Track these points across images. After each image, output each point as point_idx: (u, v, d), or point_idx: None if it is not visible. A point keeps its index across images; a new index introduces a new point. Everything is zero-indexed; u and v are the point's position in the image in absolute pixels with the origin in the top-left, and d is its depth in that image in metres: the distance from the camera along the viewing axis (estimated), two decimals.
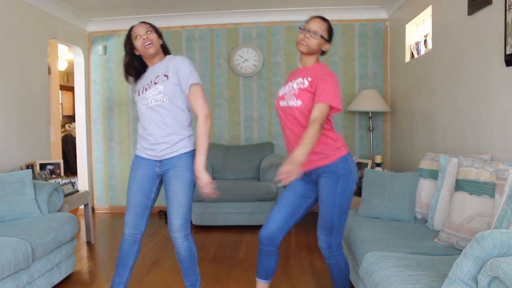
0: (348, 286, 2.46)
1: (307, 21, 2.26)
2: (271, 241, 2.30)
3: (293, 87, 2.22)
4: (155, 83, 2.29)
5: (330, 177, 2.19)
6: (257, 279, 2.41)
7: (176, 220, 2.32)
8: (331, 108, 2.12)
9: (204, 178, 2.26)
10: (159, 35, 2.40)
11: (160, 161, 2.34)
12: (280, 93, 2.31)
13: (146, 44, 2.30)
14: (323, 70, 2.22)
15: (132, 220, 2.38)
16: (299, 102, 2.17)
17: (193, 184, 2.34)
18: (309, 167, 2.21)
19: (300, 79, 2.22)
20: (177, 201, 2.31)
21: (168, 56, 2.41)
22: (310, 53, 2.25)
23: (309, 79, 2.18)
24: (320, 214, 2.27)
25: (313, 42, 2.21)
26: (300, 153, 1.95)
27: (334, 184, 2.18)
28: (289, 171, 1.87)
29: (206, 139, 2.28)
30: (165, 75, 2.29)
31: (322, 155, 2.19)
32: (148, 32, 2.33)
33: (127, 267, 2.43)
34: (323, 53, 2.29)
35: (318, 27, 2.22)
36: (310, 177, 2.28)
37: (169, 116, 2.28)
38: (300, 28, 2.25)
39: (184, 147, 2.32)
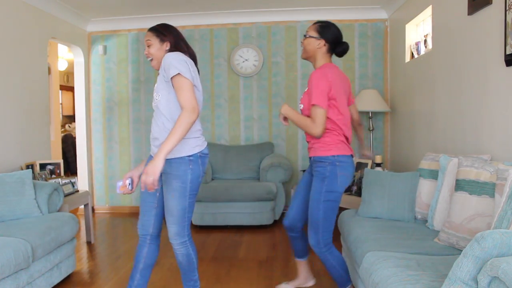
0: (347, 279, 2.55)
1: None
2: (292, 227, 2.67)
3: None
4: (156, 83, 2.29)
5: (317, 176, 2.40)
6: (295, 258, 2.84)
7: (170, 228, 2.26)
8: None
9: (149, 172, 1.96)
10: (164, 39, 2.25)
11: None
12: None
13: (148, 59, 2.31)
14: (314, 72, 2.42)
15: (141, 219, 2.32)
16: (301, 106, 2.48)
17: (186, 192, 2.19)
18: (310, 154, 2.50)
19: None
20: (168, 210, 2.23)
21: None
22: (307, 56, 2.50)
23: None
24: (309, 211, 2.45)
25: (304, 44, 2.48)
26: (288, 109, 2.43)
27: (320, 183, 2.37)
28: None
29: (178, 130, 1.98)
30: (158, 73, 2.26)
31: (313, 147, 2.46)
32: (148, 46, 2.27)
33: (137, 270, 2.32)
34: (334, 51, 2.50)
35: (307, 31, 2.48)
36: (311, 168, 2.53)
37: (163, 113, 2.19)
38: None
39: (176, 151, 2.14)
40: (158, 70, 2.29)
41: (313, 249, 2.47)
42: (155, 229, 2.33)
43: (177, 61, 2.11)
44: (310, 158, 2.52)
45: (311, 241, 2.44)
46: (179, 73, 2.08)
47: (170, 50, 2.25)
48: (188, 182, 2.18)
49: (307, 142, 2.54)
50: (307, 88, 2.44)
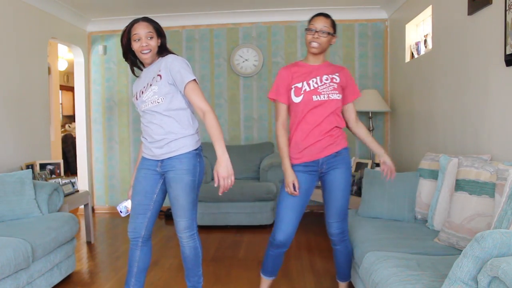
0: (350, 273, 2.62)
1: (311, 21, 2.35)
2: (287, 243, 2.41)
3: (326, 83, 2.34)
4: (150, 85, 2.23)
5: (346, 168, 2.40)
6: (264, 276, 2.53)
7: (181, 221, 2.29)
8: None
9: (219, 170, 2.01)
10: (160, 35, 2.27)
11: (162, 161, 2.28)
12: (307, 88, 2.32)
13: (144, 51, 2.22)
14: (338, 66, 2.47)
15: (132, 222, 2.32)
16: (339, 96, 2.37)
17: (195, 185, 2.27)
18: (327, 153, 2.35)
19: (327, 76, 2.36)
20: (178, 205, 2.26)
21: (163, 56, 2.30)
22: (322, 52, 2.37)
23: (337, 74, 2.39)
24: (335, 203, 2.40)
25: (323, 40, 2.32)
26: (383, 152, 2.48)
27: (348, 174, 2.41)
28: (391, 167, 2.47)
29: (216, 131, 2.11)
30: (158, 75, 2.21)
31: (336, 141, 2.37)
32: (150, 38, 2.20)
33: (132, 274, 2.34)
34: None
35: (323, 25, 2.31)
36: (320, 168, 2.38)
37: (166, 116, 2.22)
38: (307, 30, 2.34)
39: (184, 147, 2.22)
40: (147, 64, 2.30)
41: (335, 239, 2.46)
42: (147, 231, 2.34)
43: (188, 66, 2.22)
44: (327, 156, 2.35)
45: (335, 231, 2.44)
46: (194, 79, 2.18)
47: (161, 48, 2.29)
48: (197, 175, 2.27)
49: (316, 141, 2.33)
50: (337, 80, 2.36)
